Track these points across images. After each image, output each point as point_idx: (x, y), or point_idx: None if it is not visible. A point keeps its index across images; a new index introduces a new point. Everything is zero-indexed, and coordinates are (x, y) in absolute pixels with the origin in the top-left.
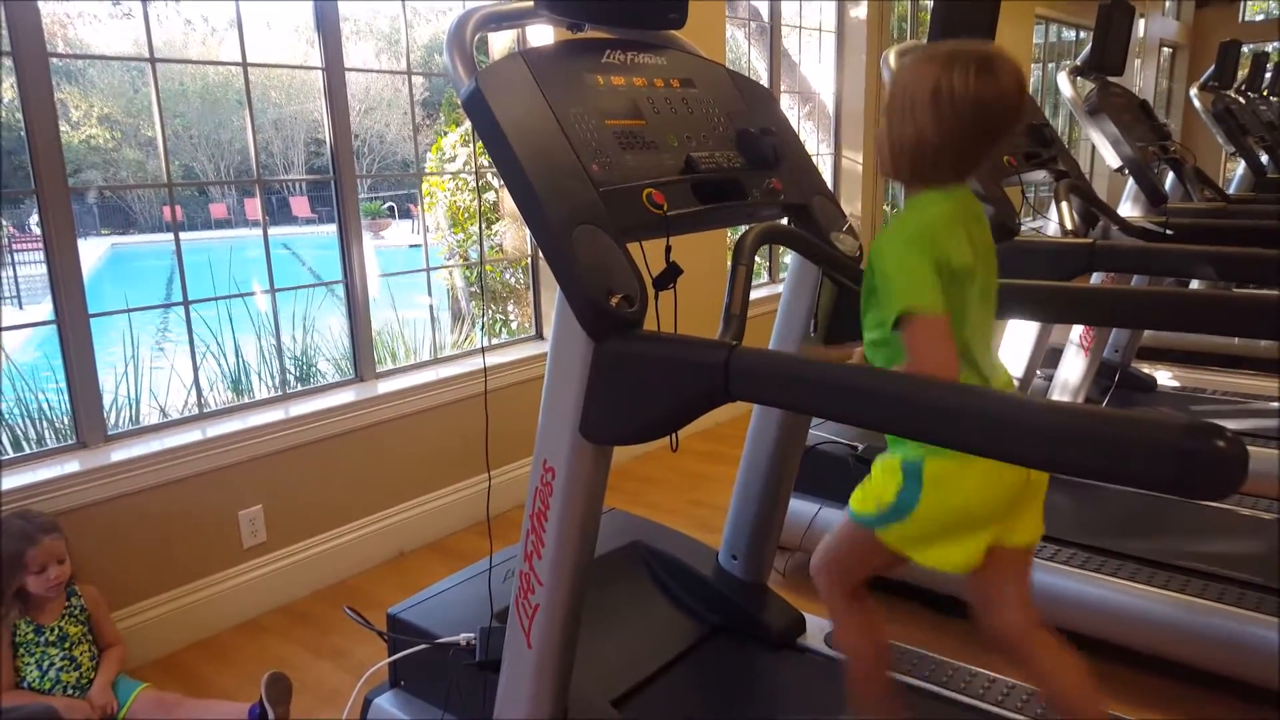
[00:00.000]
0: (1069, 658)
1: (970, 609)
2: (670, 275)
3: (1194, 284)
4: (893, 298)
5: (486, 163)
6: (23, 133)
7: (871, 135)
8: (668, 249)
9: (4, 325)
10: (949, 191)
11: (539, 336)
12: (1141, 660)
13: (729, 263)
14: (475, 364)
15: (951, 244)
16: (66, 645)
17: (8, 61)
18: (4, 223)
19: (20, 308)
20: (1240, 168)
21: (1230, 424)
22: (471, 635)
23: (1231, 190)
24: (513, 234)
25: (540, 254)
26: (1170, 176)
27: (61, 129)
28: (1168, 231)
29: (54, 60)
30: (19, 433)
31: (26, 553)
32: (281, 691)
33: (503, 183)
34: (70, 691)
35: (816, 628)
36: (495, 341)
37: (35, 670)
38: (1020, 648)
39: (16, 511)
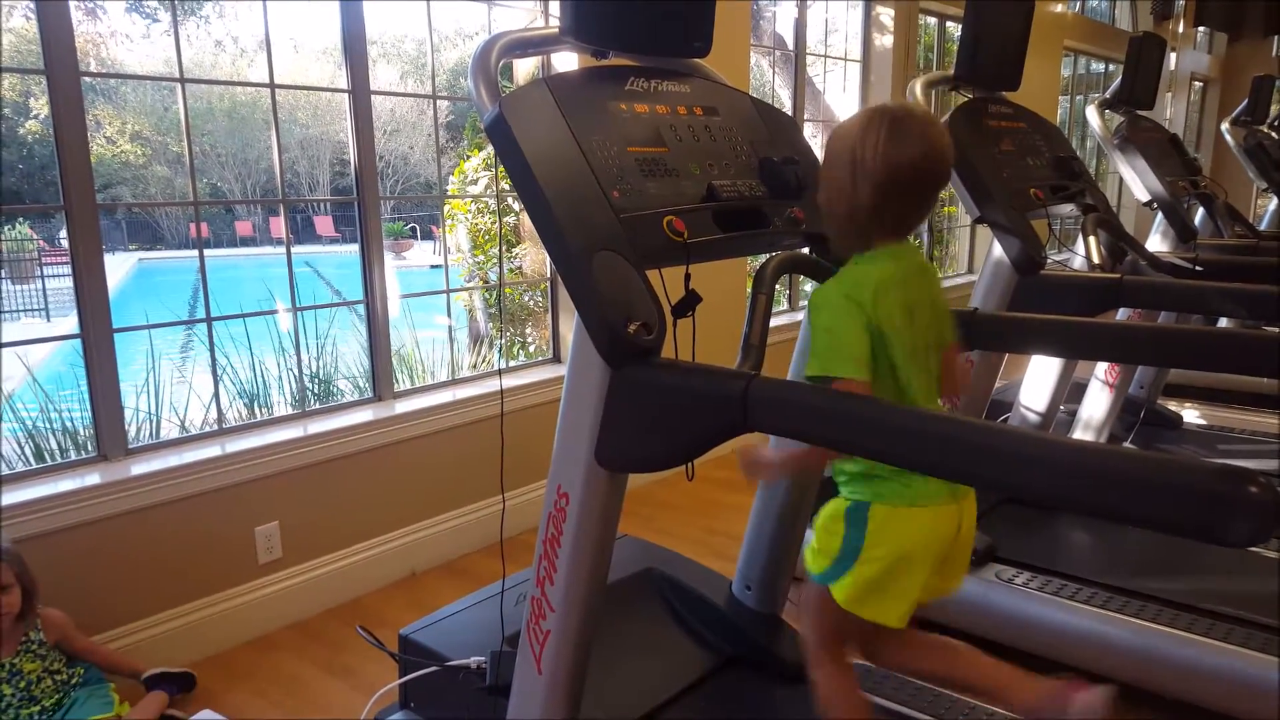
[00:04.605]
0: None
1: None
2: (689, 303)
3: (1223, 321)
4: (817, 357)
5: (508, 186)
6: (54, 148)
7: None
8: (687, 276)
9: (30, 338)
10: (890, 251)
11: (556, 359)
12: (1148, 698)
13: (749, 291)
14: (492, 386)
15: (883, 307)
16: (21, 683)
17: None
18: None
19: (48, 320)
20: (1272, 204)
21: (1256, 464)
22: (482, 659)
23: (1263, 227)
24: (532, 257)
25: (559, 277)
26: (1200, 212)
27: (95, 144)
28: (1197, 268)
29: (86, 79)
30: (41, 444)
31: None
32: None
33: (523, 207)
34: None
35: None
36: (512, 364)
37: None
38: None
39: None
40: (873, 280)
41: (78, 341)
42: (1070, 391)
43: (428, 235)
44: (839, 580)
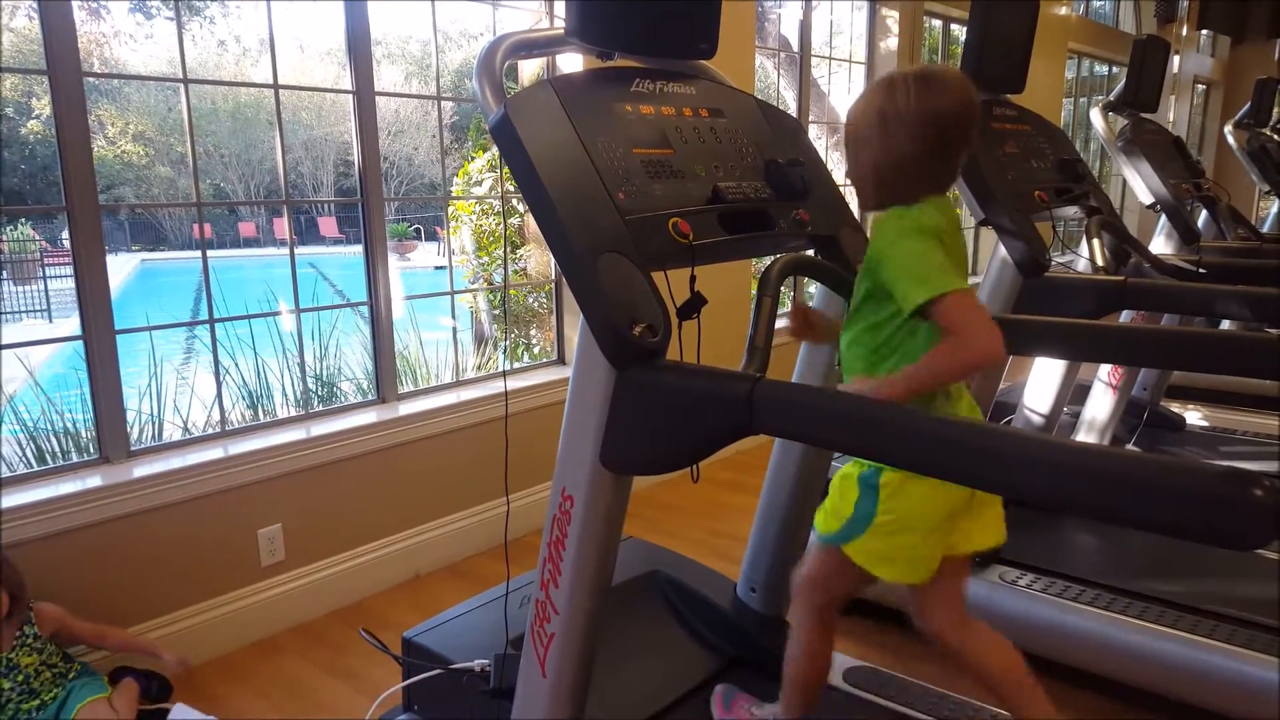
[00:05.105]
0: (1004, 648)
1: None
2: (694, 305)
3: (1226, 324)
4: (918, 286)
5: (512, 188)
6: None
7: None
8: (693, 278)
9: (32, 340)
10: (934, 203)
11: (561, 361)
12: (1151, 700)
13: (754, 293)
14: (496, 387)
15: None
16: (19, 677)
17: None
18: None
19: (50, 321)
20: (1275, 206)
21: (1259, 466)
22: (486, 662)
23: (1265, 229)
24: (537, 258)
25: (564, 279)
26: (1203, 214)
27: (97, 145)
28: (1200, 270)
29: (89, 79)
30: (42, 446)
31: None
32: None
33: (528, 208)
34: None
35: (835, 664)
36: (517, 365)
37: None
38: (953, 644)
39: None
40: (932, 220)
41: (80, 343)
42: (1074, 393)
43: (432, 236)
44: (850, 543)
